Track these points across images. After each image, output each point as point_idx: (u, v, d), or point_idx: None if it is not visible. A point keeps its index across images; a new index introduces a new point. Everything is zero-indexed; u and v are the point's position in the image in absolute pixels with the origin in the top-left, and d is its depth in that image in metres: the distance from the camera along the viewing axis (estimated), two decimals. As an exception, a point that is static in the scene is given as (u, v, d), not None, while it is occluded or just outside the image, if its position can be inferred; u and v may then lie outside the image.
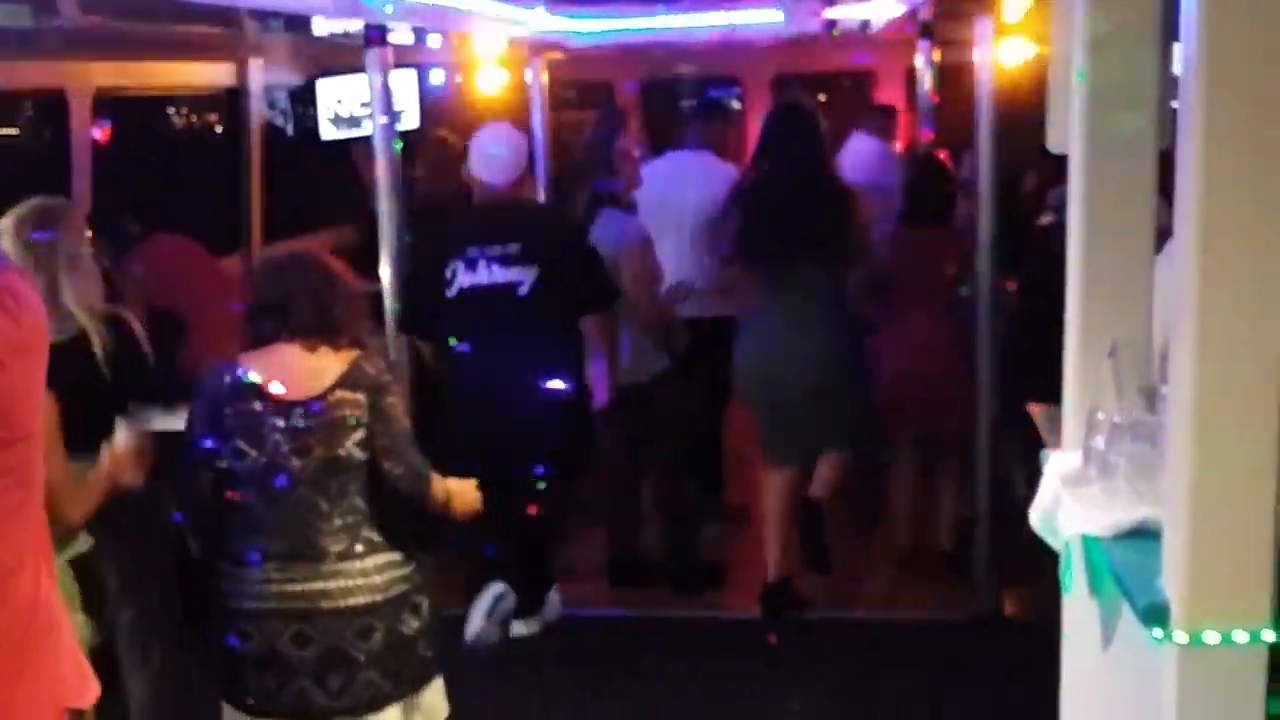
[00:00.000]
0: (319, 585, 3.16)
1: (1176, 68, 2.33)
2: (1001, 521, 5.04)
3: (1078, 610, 2.75)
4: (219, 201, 7.55)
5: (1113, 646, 2.52)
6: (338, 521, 3.19)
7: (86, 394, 3.62)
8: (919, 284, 5.51)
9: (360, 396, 3.18)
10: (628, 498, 5.84)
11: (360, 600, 3.18)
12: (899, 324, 5.60)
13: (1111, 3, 2.61)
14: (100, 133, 6.75)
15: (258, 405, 3.18)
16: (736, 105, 10.17)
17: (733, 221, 5.24)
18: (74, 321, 3.70)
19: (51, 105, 6.13)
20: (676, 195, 5.95)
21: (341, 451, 3.17)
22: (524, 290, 4.87)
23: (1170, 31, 2.57)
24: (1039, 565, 3.20)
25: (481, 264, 4.89)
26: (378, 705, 3.22)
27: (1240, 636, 2.06)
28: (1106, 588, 2.42)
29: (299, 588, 3.16)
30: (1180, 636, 2.07)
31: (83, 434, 3.44)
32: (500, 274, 4.87)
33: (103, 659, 3.53)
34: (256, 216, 7.46)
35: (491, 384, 4.76)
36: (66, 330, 3.66)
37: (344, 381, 3.19)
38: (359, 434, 3.18)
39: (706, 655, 5.11)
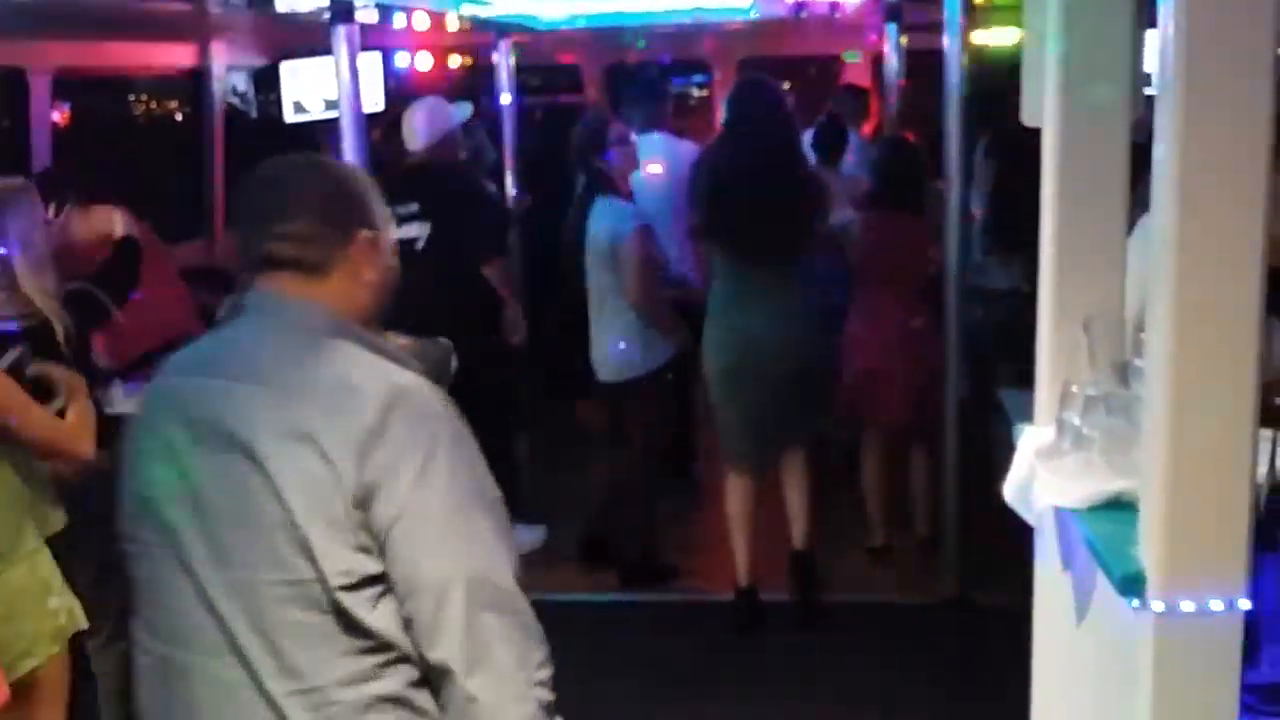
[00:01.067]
0: None
1: (1151, 46, 2.34)
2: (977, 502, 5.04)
3: (1050, 584, 2.76)
4: (180, 187, 7.47)
5: (1086, 619, 2.52)
6: None
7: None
8: (889, 270, 5.48)
9: None
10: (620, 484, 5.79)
11: None
12: (869, 311, 5.57)
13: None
14: (59, 116, 6.66)
15: None
16: (697, 91, 10.19)
17: (696, 201, 5.15)
18: (33, 306, 3.64)
19: (9, 85, 6.04)
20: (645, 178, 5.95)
21: None
22: (420, 245, 5.34)
23: (1144, 4, 2.57)
24: (1009, 547, 3.22)
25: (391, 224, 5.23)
26: None
27: (1216, 605, 2.06)
28: (1080, 560, 2.42)
29: None
30: (1156, 606, 2.08)
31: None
32: (402, 231, 5.17)
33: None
34: (219, 202, 7.39)
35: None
36: (28, 317, 3.61)
37: None
38: None
39: (676, 638, 5.11)
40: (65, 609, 3.30)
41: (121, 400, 5.03)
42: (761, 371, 5.04)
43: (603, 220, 5.33)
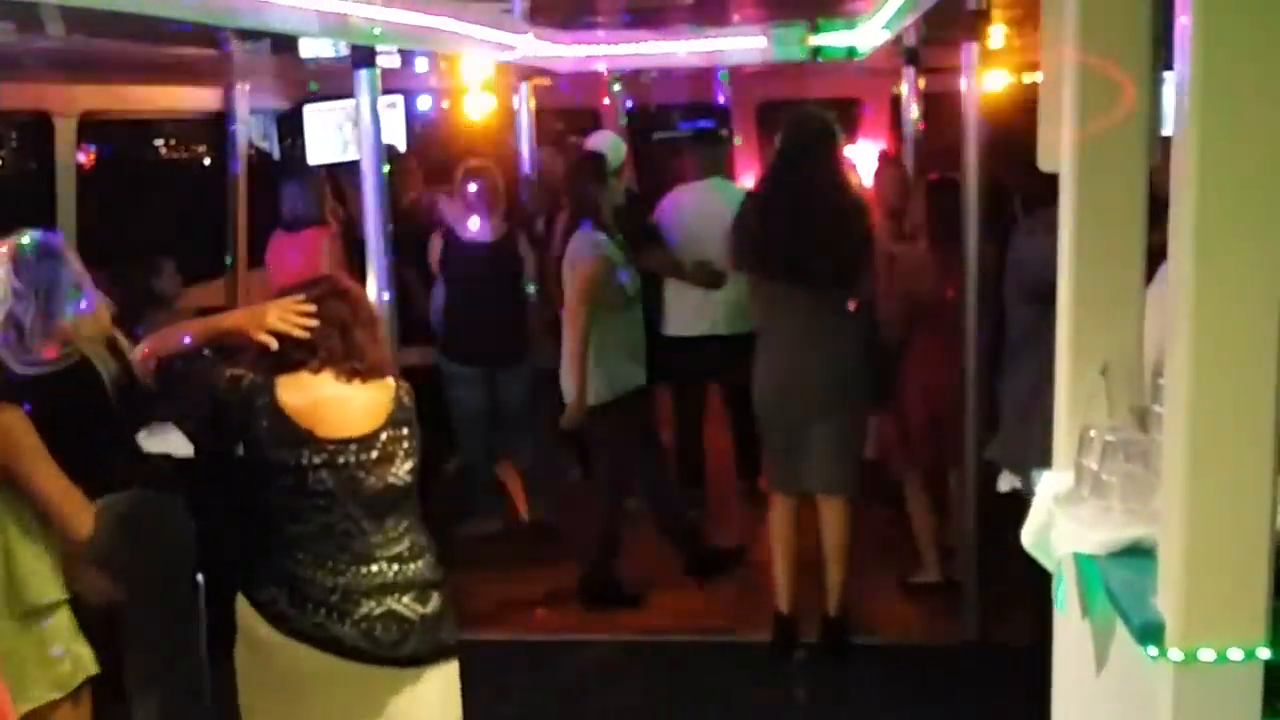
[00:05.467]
0: (378, 580, 3.16)
1: (1168, 88, 2.34)
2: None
3: (1069, 630, 2.73)
4: (205, 226, 7.53)
5: (1106, 667, 2.50)
6: (391, 535, 3.20)
7: (86, 420, 3.60)
8: (945, 308, 5.38)
9: (405, 430, 3.25)
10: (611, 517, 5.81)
11: (417, 572, 3.21)
12: (927, 353, 5.49)
13: (1102, 23, 2.62)
14: (84, 158, 6.73)
15: (305, 451, 3.12)
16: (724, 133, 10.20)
17: (744, 234, 5.20)
18: (74, 348, 3.70)
19: (35, 128, 6.11)
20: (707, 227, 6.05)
21: (394, 479, 3.20)
22: None
23: (1160, 50, 2.58)
24: (1028, 588, 3.20)
25: None
26: (436, 658, 3.23)
27: (1235, 654, 2.05)
28: (1100, 607, 2.40)
29: (349, 581, 3.15)
30: (1175, 655, 2.06)
31: (84, 460, 3.42)
32: None
33: (109, 689, 3.51)
34: (242, 241, 7.45)
35: None
36: (68, 358, 3.66)
37: (392, 421, 3.22)
38: (411, 460, 3.24)
39: (695, 678, 5.09)
40: (72, 657, 3.29)
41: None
42: (802, 397, 5.08)
43: (574, 245, 5.50)
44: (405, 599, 3.16)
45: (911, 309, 5.50)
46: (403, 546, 3.21)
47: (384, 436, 3.19)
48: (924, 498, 5.69)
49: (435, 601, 3.22)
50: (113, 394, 3.77)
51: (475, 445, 6.39)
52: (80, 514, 3.25)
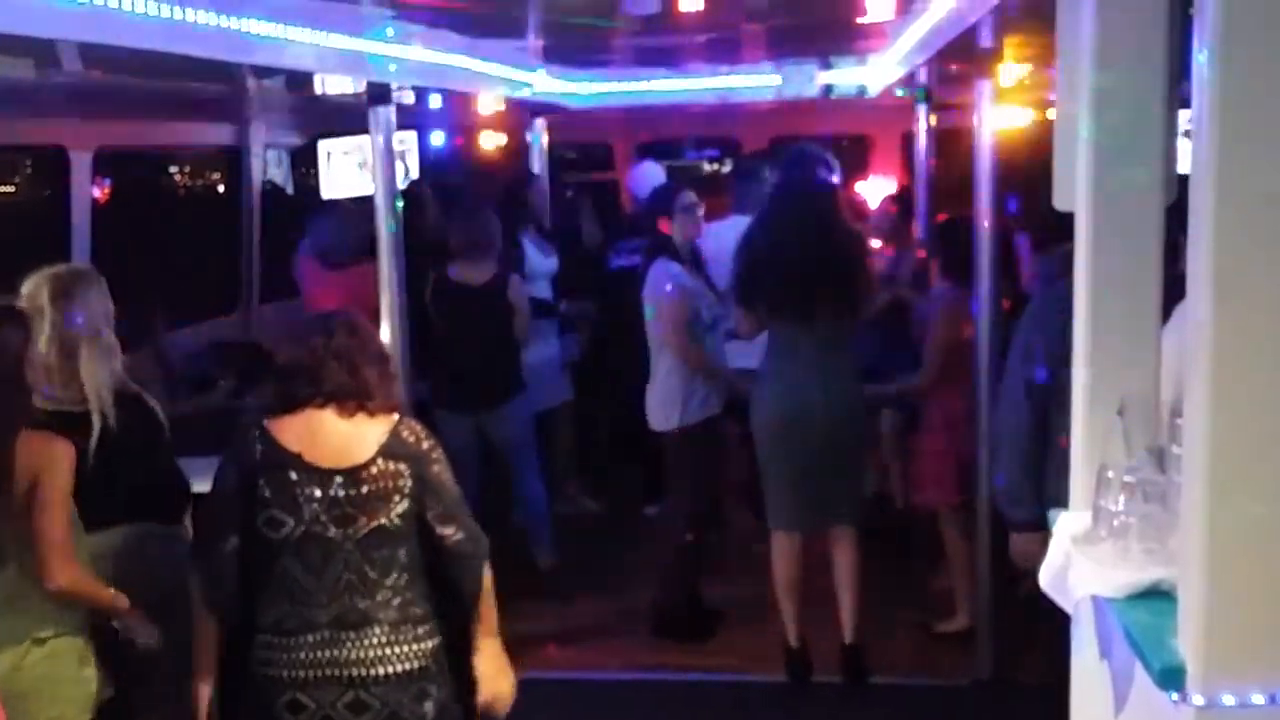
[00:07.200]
0: (374, 652, 3.10)
1: (1183, 126, 2.34)
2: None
3: (1087, 673, 2.70)
4: (218, 259, 7.55)
5: (1125, 710, 2.47)
6: (387, 589, 3.13)
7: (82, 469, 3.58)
8: (967, 346, 5.29)
9: (403, 467, 3.15)
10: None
11: (416, 665, 3.14)
12: (958, 390, 5.39)
13: (1118, 59, 2.62)
14: (99, 192, 6.76)
15: (293, 475, 3.10)
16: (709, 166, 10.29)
17: (741, 269, 5.21)
18: (83, 395, 3.67)
19: (51, 162, 6.14)
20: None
21: (386, 520, 3.12)
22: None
23: (1177, 85, 2.58)
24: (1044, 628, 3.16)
25: None
26: None
27: (1258, 699, 2.02)
28: (1118, 650, 2.38)
29: (352, 654, 3.09)
30: (1197, 699, 2.03)
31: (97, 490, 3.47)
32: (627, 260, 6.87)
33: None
34: (256, 275, 7.46)
35: None
36: (81, 406, 3.64)
37: (385, 452, 3.14)
38: (404, 504, 3.14)
39: (708, 717, 5.05)
40: (98, 677, 3.33)
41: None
42: (810, 429, 5.06)
43: (653, 280, 5.57)
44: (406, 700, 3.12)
45: (950, 352, 5.44)
46: (407, 608, 3.15)
47: (374, 469, 3.12)
48: (963, 543, 5.50)
49: (451, 685, 3.20)
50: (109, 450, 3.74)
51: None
52: (65, 565, 3.22)
